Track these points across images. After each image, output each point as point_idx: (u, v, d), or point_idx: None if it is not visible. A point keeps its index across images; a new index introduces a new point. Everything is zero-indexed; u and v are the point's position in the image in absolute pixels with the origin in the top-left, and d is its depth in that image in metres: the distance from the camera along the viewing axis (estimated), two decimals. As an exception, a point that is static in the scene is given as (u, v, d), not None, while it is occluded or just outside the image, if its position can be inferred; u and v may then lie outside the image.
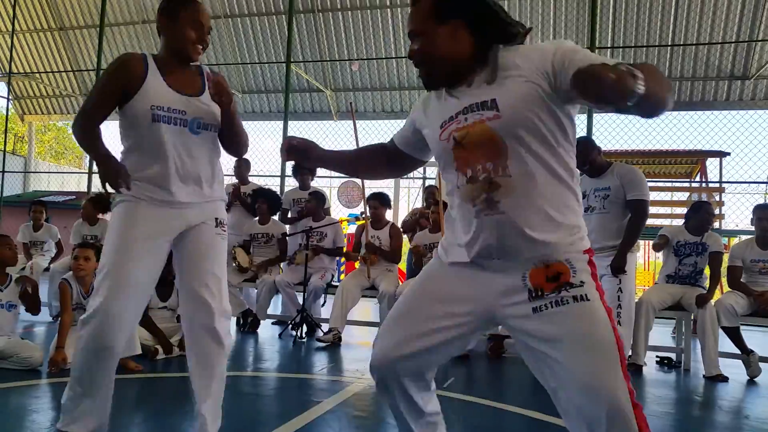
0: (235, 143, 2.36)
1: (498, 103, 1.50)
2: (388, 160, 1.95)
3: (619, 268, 3.94)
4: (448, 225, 1.73)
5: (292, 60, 9.94)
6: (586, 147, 4.16)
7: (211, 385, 2.25)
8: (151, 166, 2.15)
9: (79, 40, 14.47)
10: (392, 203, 5.73)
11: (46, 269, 6.35)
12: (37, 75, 14.94)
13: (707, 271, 4.90)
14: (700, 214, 4.87)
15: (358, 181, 9.50)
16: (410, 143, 1.87)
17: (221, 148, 2.36)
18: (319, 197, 6.21)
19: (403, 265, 6.84)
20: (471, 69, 1.58)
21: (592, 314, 1.48)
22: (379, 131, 16.29)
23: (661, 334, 6.52)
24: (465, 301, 1.63)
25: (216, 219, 2.27)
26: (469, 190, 1.56)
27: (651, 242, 5.58)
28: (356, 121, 5.90)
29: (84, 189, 13.18)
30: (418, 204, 10.46)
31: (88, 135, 2.18)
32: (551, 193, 1.52)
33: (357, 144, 5.75)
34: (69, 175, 19.49)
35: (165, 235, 2.19)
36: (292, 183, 8.49)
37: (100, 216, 6.29)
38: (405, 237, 6.09)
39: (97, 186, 10.79)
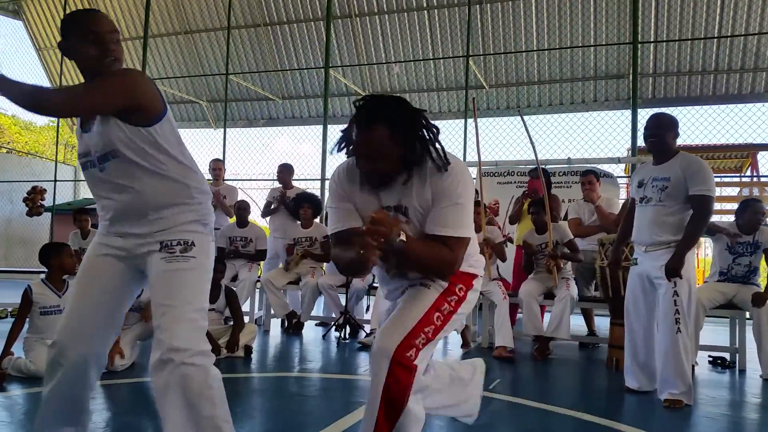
0: None
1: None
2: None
3: (675, 270, 3.39)
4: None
5: (330, 65, 10.02)
6: (658, 122, 3.57)
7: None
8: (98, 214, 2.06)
9: (125, 51, 14.88)
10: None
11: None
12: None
13: (763, 267, 4.72)
14: (747, 214, 4.70)
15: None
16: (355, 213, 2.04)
17: (161, 168, 1.96)
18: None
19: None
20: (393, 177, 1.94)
21: None
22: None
23: (715, 333, 6.31)
24: None
25: (161, 243, 1.95)
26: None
27: (703, 239, 5.37)
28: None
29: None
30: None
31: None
32: None
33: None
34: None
35: (111, 272, 2.02)
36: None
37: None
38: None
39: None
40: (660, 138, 3.53)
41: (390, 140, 1.82)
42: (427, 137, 1.89)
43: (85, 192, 18.42)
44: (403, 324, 1.92)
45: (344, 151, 1.96)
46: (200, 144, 19.89)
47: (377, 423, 1.87)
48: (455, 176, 1.90)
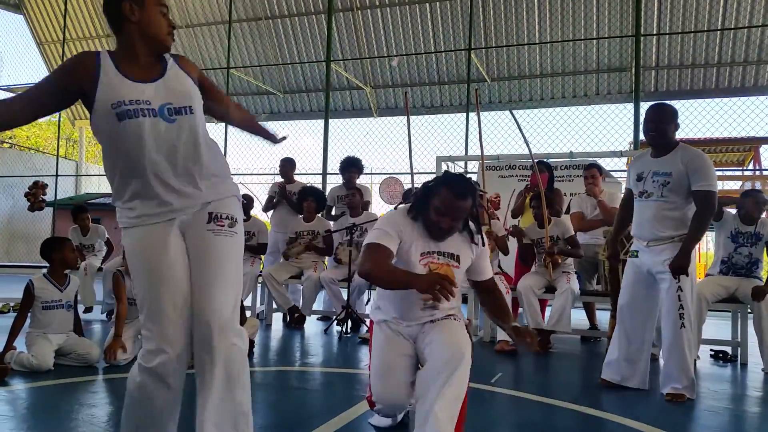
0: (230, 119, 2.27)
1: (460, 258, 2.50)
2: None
3: (683, 268, 3.33)
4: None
5: (332, 59, 10.00)
6: (659, 114, 3.49)
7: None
8: (131, 180, 1.88)
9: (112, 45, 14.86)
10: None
11: (100, 269, 6.56)
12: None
13: (766, 261, 4.71)
14: (749, 204, 4.68)
15: (401, 177, 9.50)
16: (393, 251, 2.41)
17: (209, 139, 2.01)
18: (360, 191, 6.25)
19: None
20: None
21: None
22: (420, 126, 16.24)
23: (717, 327, 6.31)
24: None
25: (210, 214, 1.92)
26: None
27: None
28: (397, 117, 5.87)
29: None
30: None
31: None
32: None
33: (409, 137, 5.71)
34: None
35: (171, 244, 1.90)
36: (333, 180, 8.54)
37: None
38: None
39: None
40: (661, 132, 3.47)
41: (469, 210, 2.40)
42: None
43: (87, 187, 18.45)
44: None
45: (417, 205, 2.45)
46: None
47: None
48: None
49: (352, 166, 6.59)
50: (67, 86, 1.83)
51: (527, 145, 5.53)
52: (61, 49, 14.07)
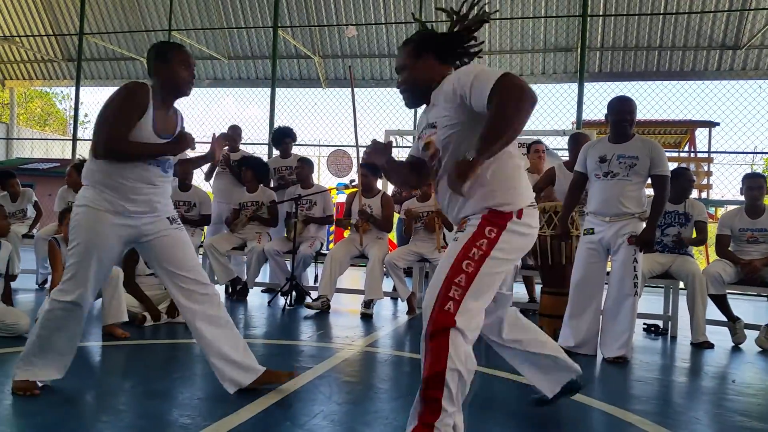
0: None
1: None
2: (412, 168, 2.39)
3: (650, 241, 3.78)
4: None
5: (279, 25, 9.74)
6: (630, 106, 3.87)
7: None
8: (120, 182, 2.50)
9: (60, 3, 14.08)
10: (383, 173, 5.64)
11: (27, 235, 6.30)
12: (17, 39, 14.56)
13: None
14: (680, 181, 4.84)
15: (349, 150, 9.42)
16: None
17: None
18: (308, 163, 6.14)
19: (392, 235, 6.82)
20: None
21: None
22: (369, 99, 16.11)
23: (649, 302, 6.57)
24: None
25: (168, 218, 2.67)
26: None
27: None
28: (346, 89, 5.78)
29: (69, 156, 13.00)
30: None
31: (134, 148, 2.47)
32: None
33: (354, 111, 5.62)
34: (53, 143, 19.16)
35: (120, 240, 2.57)
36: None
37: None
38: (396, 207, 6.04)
39: (80, 154, 10.63)
40: (632, 122, 3.87)
41: (411, 51, 2.26)
42: None
43: (19, 151, 17.55)
44: (435, 284, 1.97)
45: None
46: (142, 104, 19.19)
47: (425, 386, 1.89)
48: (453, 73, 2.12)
49: (286, 136, 6.56)
50: (132, 113, 2.48)
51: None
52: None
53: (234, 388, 2.61)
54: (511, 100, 1.80)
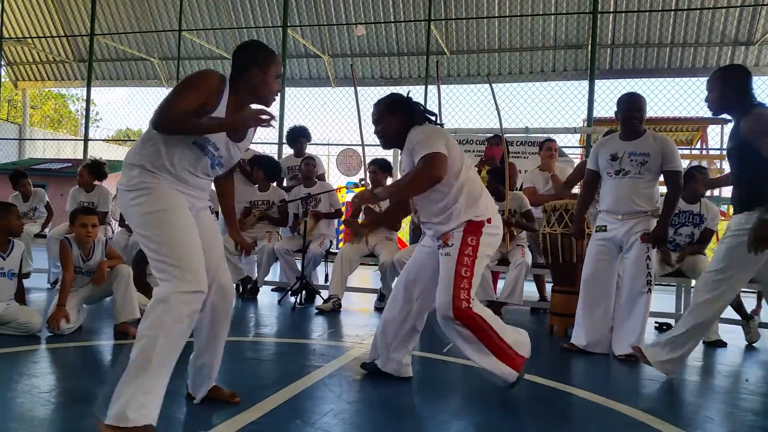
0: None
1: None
2: (399, 202, 3.42)
3: (663, 238, 3.73)
4: None
5: (288, 24, 9.76)
6: (640, 103, 3.83)
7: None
8: (172, 164, 2.27)
9: (72, 4, 14.19)
10: (392, 171, 5.66)
11: (39, 235, 6.35)
12: (29, 40, 14.68)
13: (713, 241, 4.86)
14: (693, 183, 4.77)
15: (358, 149, 9.43)
16: None
17: None
18: (312, 161, 6.16)
19: (401, 234, 6.82)
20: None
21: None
22: (375, 98, 16.07)
23: (661, 300, 6.52)
24: None
25: (210, 207, 2.62)
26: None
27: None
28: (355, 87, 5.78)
29: (80, 156, 13.09)
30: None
31: (197, 125, 2.21)
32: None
33: (358, 109, 5.63)
34: (65, 143, 19.29)
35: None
36: (289, 151, 8.39)
37: (96, 183, 6.27)
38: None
39: (92, 154, 10.70)
40: (642, 119, 3.83)
41: (386, 109, 2.95)
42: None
43: (31, 152, 17.70)
44: (446, 287, 2.70)
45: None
46: (151, 104, 19.31)
47: (497, 354, 2.71)
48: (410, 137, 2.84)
49: (301, 136, 6.58)
50: (202, 98, 2.23)
51: (499, 117, 5.53)
52: (0, 4, 13.29)
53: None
54: (417, 176, 2.65)
